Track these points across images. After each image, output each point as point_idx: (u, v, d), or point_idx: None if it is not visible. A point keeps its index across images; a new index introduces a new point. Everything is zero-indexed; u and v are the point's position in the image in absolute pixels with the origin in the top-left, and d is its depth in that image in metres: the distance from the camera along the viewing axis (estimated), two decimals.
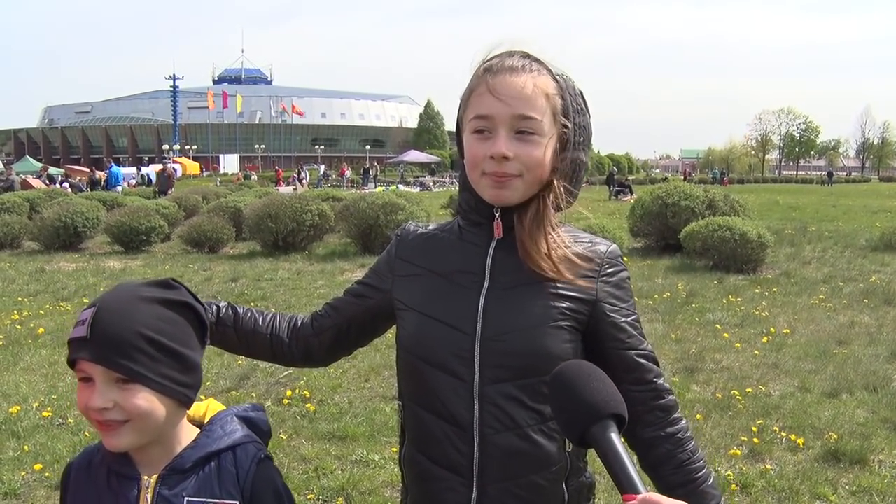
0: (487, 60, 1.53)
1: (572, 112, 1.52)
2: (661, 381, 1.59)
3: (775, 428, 5.41)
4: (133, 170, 54.80)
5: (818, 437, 5.28)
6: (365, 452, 4.91)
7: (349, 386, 6.41)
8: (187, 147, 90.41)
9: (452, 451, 1.52)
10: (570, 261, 1.53)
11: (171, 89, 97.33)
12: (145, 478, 1.40)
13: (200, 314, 1.46)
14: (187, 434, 1.45)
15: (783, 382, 6.55)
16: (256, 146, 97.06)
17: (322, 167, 62.92)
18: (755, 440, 5.14)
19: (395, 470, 4.65)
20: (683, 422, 1.60)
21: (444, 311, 1.54)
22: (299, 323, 1.78)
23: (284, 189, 35.17)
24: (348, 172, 61.13)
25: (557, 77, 1.51)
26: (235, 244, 16.23)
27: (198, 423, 1.49)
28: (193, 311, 1.44)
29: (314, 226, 15.26)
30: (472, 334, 1.51)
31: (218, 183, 46.31)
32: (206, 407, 1.51)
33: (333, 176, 55.72)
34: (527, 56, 1.51)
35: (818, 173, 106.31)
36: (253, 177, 55.63)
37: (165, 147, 78.64)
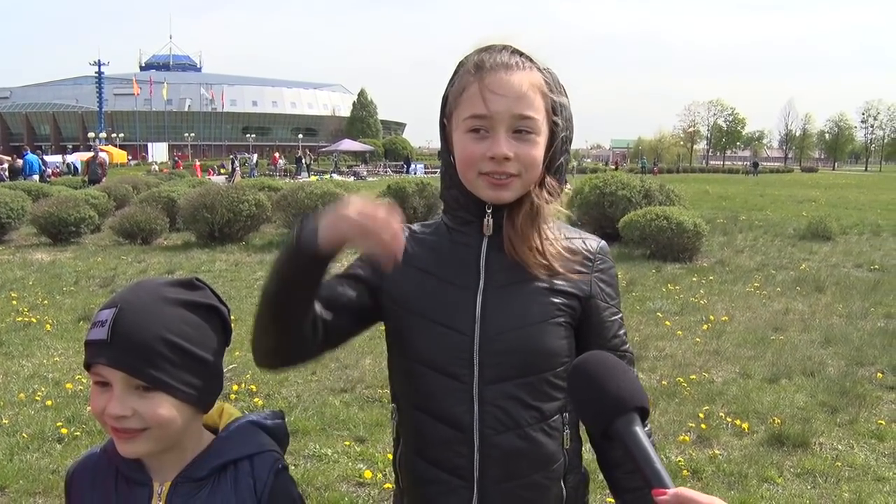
0: (475, 56, 1.49)
1: (559, 107, 1.50)
2: None
3: (721, 414, 5.53)
4: (58, 158, 52.84)
5: (762, 421, 5.41)
6: (318, 447, 4.83)
7: (296, 379, 6.30)
8: (114, 135, 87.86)
9: (452, 453, 1.50)
10: (563, 257, 1.53)
11: (96, 75, 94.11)
12: (157, 485, 1.34)
13: (225, 317, 1.39)
14: (202, 439, 1.39)
15: (725, 369, 6.71)
16: (186, 134, 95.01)
17: (254, 156, 61.73)
18: (702, 426, 5.24)
19: (350, 464, 4.63)
20: (648, 427, 1.59)
21: (441, 312, 1.50)
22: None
23: (217, 179, 34.48)
24: (281, 161, 60.29)
25: (543, 71, 1.49)
26: (169, 235, 15.84)
27: (210, 428, 1.43)
28: (218, 314, 1.38)
29: (251, 216, 15.01)
30: (470, 335, 1.48)
31: (154, 169, 44.92)
32: (219, 411, 1.44)
33: (253, 169, 52.17)
34: (515, 51, 1.48)
35: (742, 164, 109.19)
36: (154, 167, 52.26)
37: (91, 135, 76.22)
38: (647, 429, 1.57)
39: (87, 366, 1.29)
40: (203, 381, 1.32)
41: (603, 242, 1.62)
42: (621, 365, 1.17)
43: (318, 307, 1.45)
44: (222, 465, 1.35)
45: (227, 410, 1.46)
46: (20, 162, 31.08)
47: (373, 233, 1.27)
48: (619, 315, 1.61)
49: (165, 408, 1.27)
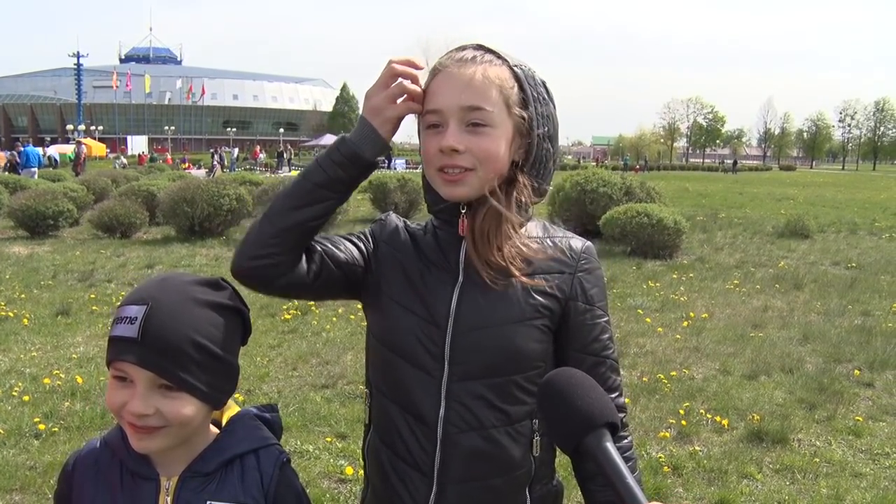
0: (442, 57, 1.48)
1: (532, 102, 1.46)
2: (616, 396, 1.54)
3: (701, 410, 5.56)
4: (38, 150, 52.15)
5: (741, 418, 5.45)
6: (298, 443, 4.81)
7: (277, 375, 6.28)
8: (93, 128, 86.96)
9: (415, 446, 1.49)
10: (536, 257, 1.49)
11: (75, 67, 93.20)
12: (164, 479, 1.34)
13: (247, 318, 1.40)
14: (208, 434, 1.40)
15: (705, 365, 6.74)
16: (166, 128, 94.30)
17: (235, 150, 61.37)
18: (683, 422, 5.27)
19: (331, 460, 4.61)
20: (628, 440, 1.57)
21: (419, 303, 1.50)
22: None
23: (198, 173, 34.29)
24: (262, 155, 60.05)
25: (515, 67, 1.46)
26: (149, 229, 15.71)
27: (213, 421, 1.44)
28: (240, 316, 1.38)
29: (231, 210, 14.91)
30: (443, 328, 1.47)
31: (123, 164, 44.36)
32: None
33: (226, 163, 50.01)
34: (481, 48, 1.47)
35: (715, 161, 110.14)
36: (122, 161, 51.70)
37: (70, 127, 75.45)
38: (628, 439, 1.56)
39: (109, 361, 1.28)
40: (223, 381, 1.34)
41: (589, 243, 1.58)
42: (589, 381, 1.15)
43: (322, 245, 1.52)
44: (229, 460, 1.36)
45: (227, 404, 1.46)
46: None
47: (410, 92, 1.43)
48: (604, 319, 1.55)
49: (188, 408, 1.28)
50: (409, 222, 1.64)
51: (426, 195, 1.57)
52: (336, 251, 1.54)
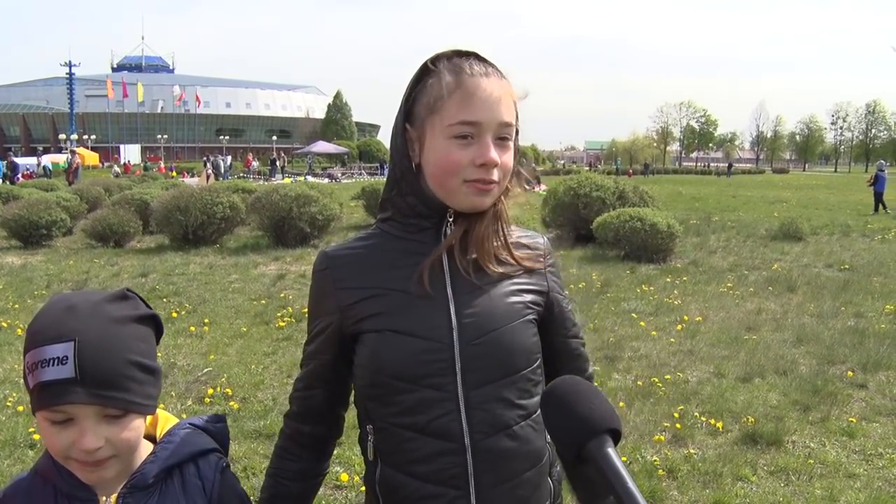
0: (447, 61, 1.47)
1: (518, 113, 1.52)
2: (591, 369, 1.73)
3: (696, 413, 5.58)
4: (33, 160, 52.07)
5: (736, 420, 5.47)
6: None
7: (272, 382, 6.28)
8: (85, 137, 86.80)
9: (443, 465, 1.47)
10: (517, 257, 1.55)
11: (67, 76, 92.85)
12: (103, 498, 1.30)
13: (159, 321, 1.37)
14: (143, 447, 1.37)
15: (699, 369, 6.76)
16: (159, 136, 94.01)
17: (227, 158, 61.19)
18: (677, 426, 5.29)
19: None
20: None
21: (414, 324, 1.47)
22: (306, 430, 1.68)
23: (191, 181, 34.29)
24: (255, 163, 59.98)
25: (507, 78, 1.50)
26: (143, 238, 15.70)
27: (147, 434, 1.41)
28: (153, 320, 1.36)
29: (225, 218, 14.91)
30: (448, 343, 1.46)
31: (116, 173, 44.43)
32: (153, 417, 1.42)
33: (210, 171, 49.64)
34: (482, 58, 1.48)
35: (705, 165, 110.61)
36: (113, 170, 52.23)
37: (62, 137, 75.31)
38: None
39: (42, 407, 1.23)
40: (156, 389, 1.32)
41: (545, 237, 1.67)
42: (592, 388, 1.19)
43: (329, 396, 1.64)
44: (168, 470, 1.34)
45: (162, 416, 1.44)
46: None
47: None
48: (571, 304, 1.70)
49: (133, 429, 1.27)
50: (346, 248, 1.58)
51: (399, 199, 1.53)
52: (345, 384, 1.63)
